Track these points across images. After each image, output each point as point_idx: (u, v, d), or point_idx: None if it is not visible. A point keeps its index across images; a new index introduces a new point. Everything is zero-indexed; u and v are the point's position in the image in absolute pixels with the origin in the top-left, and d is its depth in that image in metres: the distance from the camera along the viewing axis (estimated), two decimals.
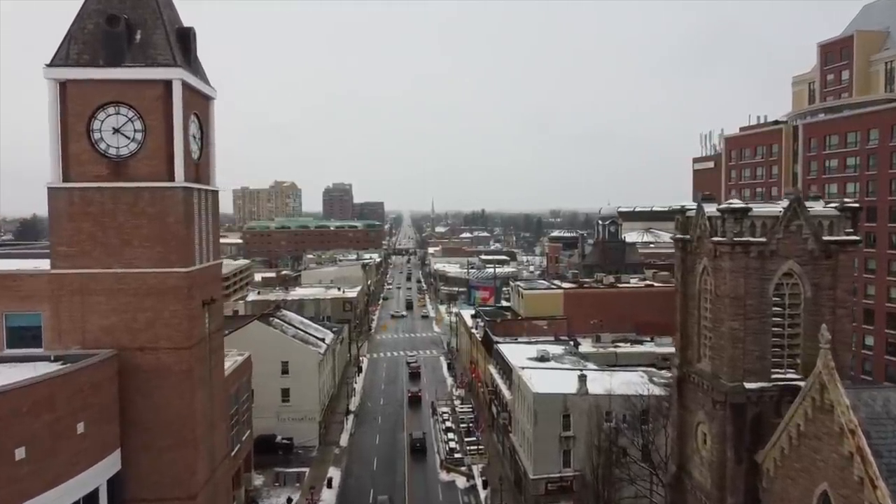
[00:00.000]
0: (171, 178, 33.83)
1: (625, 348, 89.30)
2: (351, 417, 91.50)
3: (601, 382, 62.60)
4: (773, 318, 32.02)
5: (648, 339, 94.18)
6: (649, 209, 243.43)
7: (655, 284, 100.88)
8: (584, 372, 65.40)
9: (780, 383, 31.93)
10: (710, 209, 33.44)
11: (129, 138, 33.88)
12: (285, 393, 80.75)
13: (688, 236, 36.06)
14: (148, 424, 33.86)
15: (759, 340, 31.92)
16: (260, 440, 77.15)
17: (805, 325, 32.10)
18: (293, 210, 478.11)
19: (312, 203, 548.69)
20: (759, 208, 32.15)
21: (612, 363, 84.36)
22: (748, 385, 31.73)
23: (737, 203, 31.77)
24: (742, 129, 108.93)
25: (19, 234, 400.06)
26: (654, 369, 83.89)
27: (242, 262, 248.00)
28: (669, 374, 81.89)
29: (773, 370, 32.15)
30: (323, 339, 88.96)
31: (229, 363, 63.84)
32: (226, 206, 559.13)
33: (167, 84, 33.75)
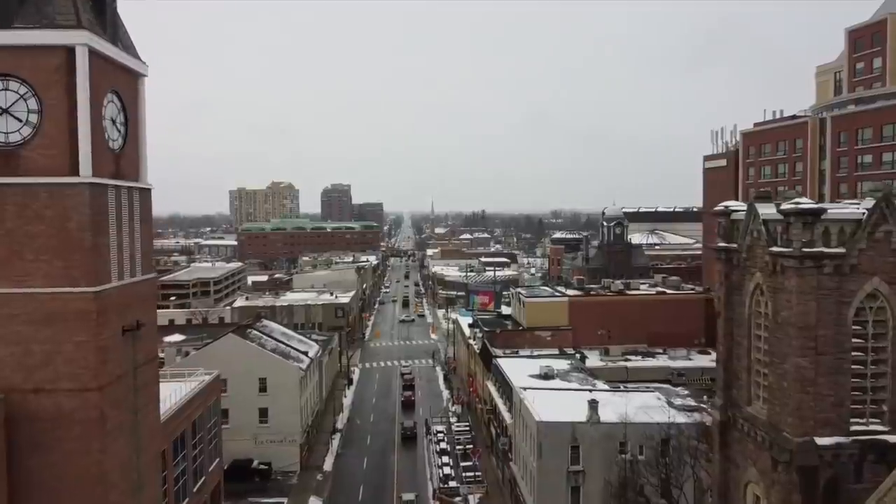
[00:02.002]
0: (75, 172, 26.41)
1: (636, 362, 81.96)
2: (337, 437, 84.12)
3: (613, 406, 55.10)
4: (853, 354, 24.63)
5: (661, 350, 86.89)
6: (654, 210, 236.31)
7: (668, 291, 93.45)
8: (595, 396, 57.99)
9: (861, 438, 24.54)
10: (767, 211, 25.99)
11: (20, 121, 26.49)
12: (263, 413, 73.56)
13: (734, 245, 28.60)
14: (46, 488, 26.47)
15: (834, 382, 24.50)
16: (234, 466, 70.10)
17: (894, 361, 24.69)
18: (290, 211, 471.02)
19: (311, 204, 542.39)
20: (837, 210, 24.70)
21: (622, 379, 77.09)
22: (821, 441, 24.31)
23: (806, 202, 24.30)
24: (756, 124, 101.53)
25: None
26: (669, 386, 76.63)
27: (234, 265, 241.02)
28: (687, 392, 74.72)
29: (852, 420, 24.76)
30: (306, 353, 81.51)
31: (193, 384, 56.82)
32: (223, 206, 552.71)
33: (69, 52, 26.32)
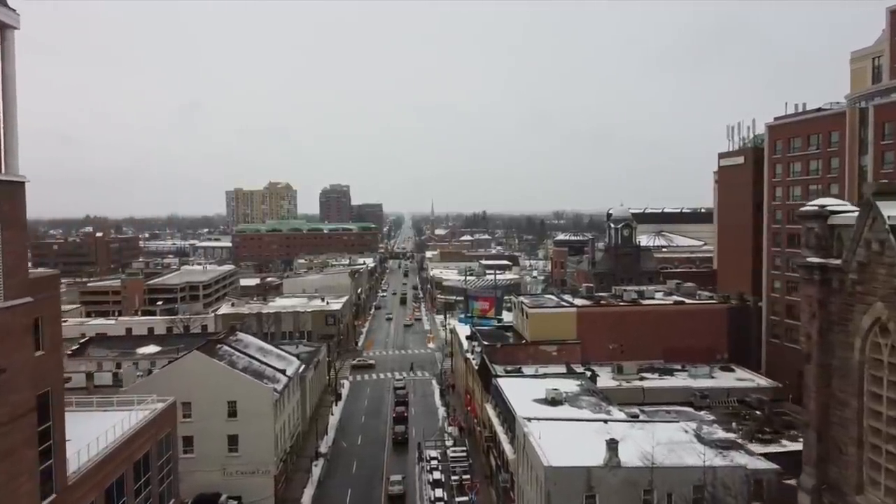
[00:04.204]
0: None
1: (653, 381, 73.28)
2: (320, 463, 75.51)
3: (634, 443, 46.58)
4: None
5: (679, 367, 78.27)
6: (660, 211, 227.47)
7: (687, 301, 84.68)
8: (611, 429, 49.54)
9: None
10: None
11: None
12: (232, 440, 65.19)
13: (835, 261, 19.97)
14: None
15: None
16: (200, 500, 62.06)
17: None
18: (288, 212, 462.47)
19: (310, 205, 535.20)
20: None
21: (638, 401, 68.53)
22: None
23: None
24: (777, 118, 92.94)
25: None
26: (691, 409, 68.06)
27: (226, 267, 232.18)
28: (712, 418, 65.99)
29: None
30: (284, 371, 72.86)
31: (145, 414, 48.72)
32: (217, 207, 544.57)
33: None
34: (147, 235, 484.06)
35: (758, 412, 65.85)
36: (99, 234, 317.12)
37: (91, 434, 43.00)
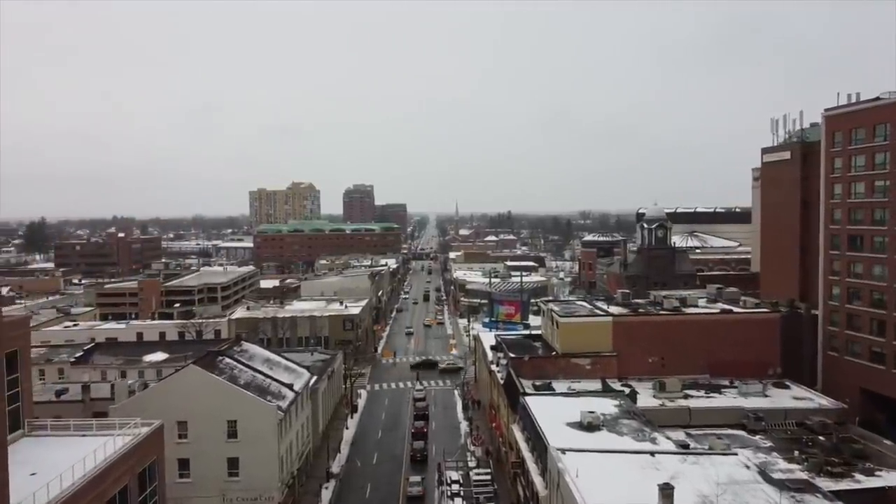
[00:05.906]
0: None
1: (699, 400, 65.49)
2: (331, 485, 69.42)
3: (689, 481, 39.64)
4: None
5: (727, 383, 70.48)
6: (693, 210, 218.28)
7: (735, 310, 76.72)
8: (660, 463, 42.47)
9: None
10: None
11: None
12: (233, 464, 59.48)
13: None
14: None
15: None
16: None
17: None
18: (310, 212, 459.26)
19: (333, 205, 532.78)
20: None
21: (683, 424, 61.08)
22: None
23: None
24: (828, 109, 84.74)
25: (27, 238, 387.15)
26: (744, 433, 60.46)
27: (246, 269, 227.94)
28: (769, 444, 58.34)
29: None
30: (291, 386, 66.68)
31: (125, 440, 42.98)
32: (242, 207, 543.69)
33: None
34: (172, 236, 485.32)
35: (821, 438, 58.02)
36: (121, 235, 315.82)
37: (61, 466, 37.34)
